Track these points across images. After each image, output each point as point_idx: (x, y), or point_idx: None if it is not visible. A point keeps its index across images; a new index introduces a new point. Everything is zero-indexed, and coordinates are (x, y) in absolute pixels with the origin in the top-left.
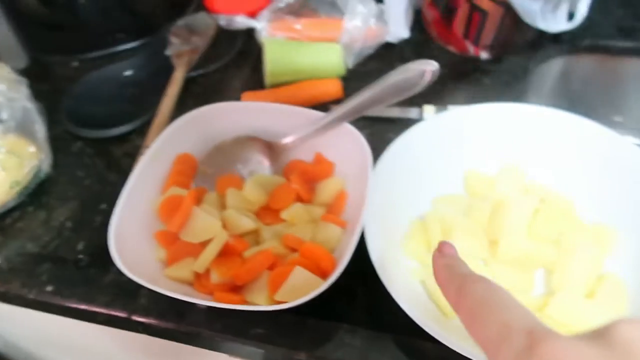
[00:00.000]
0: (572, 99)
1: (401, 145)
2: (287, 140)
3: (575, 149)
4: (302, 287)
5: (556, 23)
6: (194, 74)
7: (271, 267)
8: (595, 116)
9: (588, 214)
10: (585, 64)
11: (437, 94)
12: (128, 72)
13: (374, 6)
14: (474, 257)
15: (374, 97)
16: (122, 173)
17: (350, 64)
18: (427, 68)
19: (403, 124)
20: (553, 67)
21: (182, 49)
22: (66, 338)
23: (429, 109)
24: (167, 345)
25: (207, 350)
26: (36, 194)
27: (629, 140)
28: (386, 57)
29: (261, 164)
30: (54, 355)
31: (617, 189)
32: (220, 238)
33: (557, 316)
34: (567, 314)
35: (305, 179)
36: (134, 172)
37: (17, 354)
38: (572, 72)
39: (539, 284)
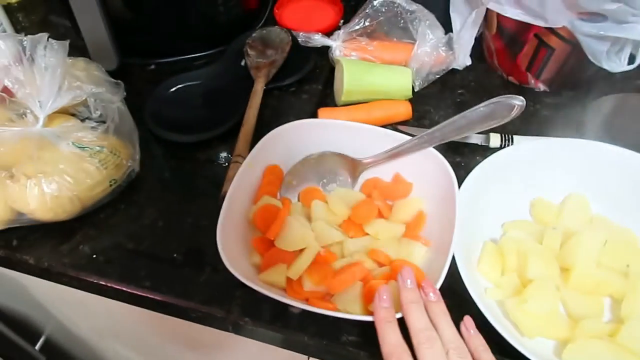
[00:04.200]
0: (626, 135)
1: (481, 171)
2: (370, 159)
3: (635, 185)
4: (396, 301)
5: (619, 64)
6: (270, 86)
7: (361, 280)
8: None
9: None
10: (637, 102)
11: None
12: (207, 80)
13: (442, 34)
14: (549, 283)
15: (461, 126)
16: (206, 178)
17: (417, 87)
18: (517, 103)
19: (468, 149)
20: (607, 104)
21: (260, 62)
22: (129, 330)
23: (495, 137)
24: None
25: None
26: (126, 192)
27: None
28: (448, 82)
29: (345, 180)
30: (113, 346)
31: None
32: (313, 248)
33: (628, 344)
34: (638, 342)
35: (384, 196)
36: (235, 180)
37: (70, 341)
38: (626, 110)
39: (606, 312)
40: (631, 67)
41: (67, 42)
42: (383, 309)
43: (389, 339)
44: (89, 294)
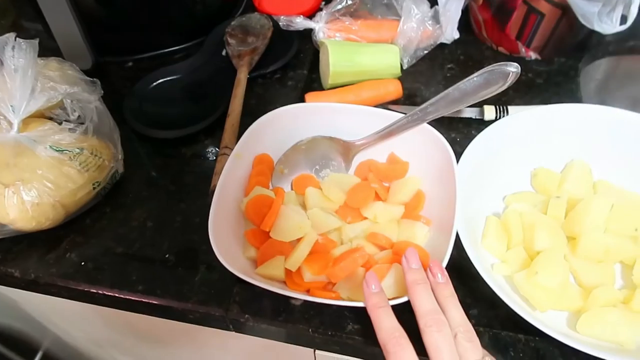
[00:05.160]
0: (621, 98)
1: (478, 144)
2: (363, 140)
3: (637, 146)
4: (400, 284)
5: (611, 25)
6: (254, 74)
7: (363, 265)
8: None
9: None
10: (632, 64)
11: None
12: (188, 73)
13: (428, 8)
14: (557, 253)
15: (454, 98)
16: (195, 174)
17: (405, 64)
18: (511, 70)
19: (463, 123)
20: (601, 68)
21: (241, 50)
22: (126, 336)
23: (489, 109)
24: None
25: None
26: (112, 195)
27: None
28: (437, 57)
29: (338, 164)
30: (112, 354)
31: None
32: (311, 236)
33: None
34: None
35: (380, 178)
36: (223, 172)
37: (68, 354)
38: (620, 72)
39: (618, 278)
40: (623, 27)
41: (36, 41)
42: (373, 294)
43: (384, 324)
44: (82, 303)
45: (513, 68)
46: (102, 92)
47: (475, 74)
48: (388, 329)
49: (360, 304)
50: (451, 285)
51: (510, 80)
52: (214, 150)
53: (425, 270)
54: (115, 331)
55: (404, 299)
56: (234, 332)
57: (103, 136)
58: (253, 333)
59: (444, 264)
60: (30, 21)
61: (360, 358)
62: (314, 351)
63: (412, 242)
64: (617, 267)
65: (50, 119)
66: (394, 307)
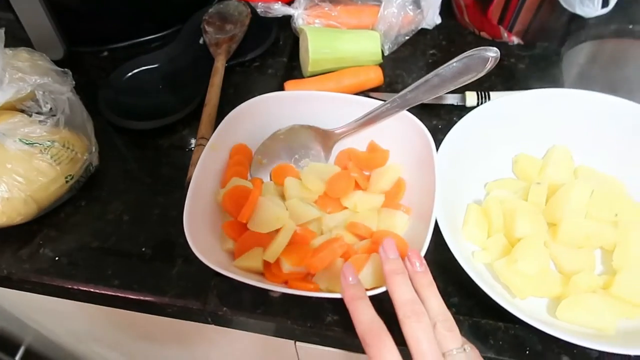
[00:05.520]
0: (606, 82)
1: (458, 131)
2: (343, 128)
3: (618, 131)
4: (378, 274)
5: (593, 9)
6: (232, 62)
7: (342, 255)
8: (628, 98)
9: (638, 193)
10: (614, 48)
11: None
12: (165, 62)
13: None
14: (537, 240)
15: (434, 85)
16: (172, 165)
17: (387, 51)
18: (491, 55)
19: (444, 110)
20: (584, 52)
21: (219, 37)
22: (106, 331)
23: (471, 95)
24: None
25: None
26: (87, 188)
27: None
28: (419, 43)
29: (318, 153)
30: (93, 349)
31: None
32: (289, 227)
33: (623, 294)
34: (634, 292)
35: (360, 166)
36: (199, 163)
37: (50, 349)
38: (602, 56)
39: (598, 264)
40: (605, 10)
41: (1, 31)
42: (350, 286)
43: (362, 317)
44: (59, 299)
45: (492, 53)
46: (74, 82)
47: (455, 60)
48: (366, 321)
49: (339, 295)
50: (430, 274)
51: (490, 65)
52: (191, 141)
53: (403, 259)
54: (97, 326)
55: (383, 289)
56: (219, 327)
57: (75, 128)
58: (232, 326)
59: (423, 252)
60: (2, 11)
61: (341, 349)
62: (295, 343)
63: (391, 232)
64: (598, 253)
65: (22, 111)
66: (373, 297)
